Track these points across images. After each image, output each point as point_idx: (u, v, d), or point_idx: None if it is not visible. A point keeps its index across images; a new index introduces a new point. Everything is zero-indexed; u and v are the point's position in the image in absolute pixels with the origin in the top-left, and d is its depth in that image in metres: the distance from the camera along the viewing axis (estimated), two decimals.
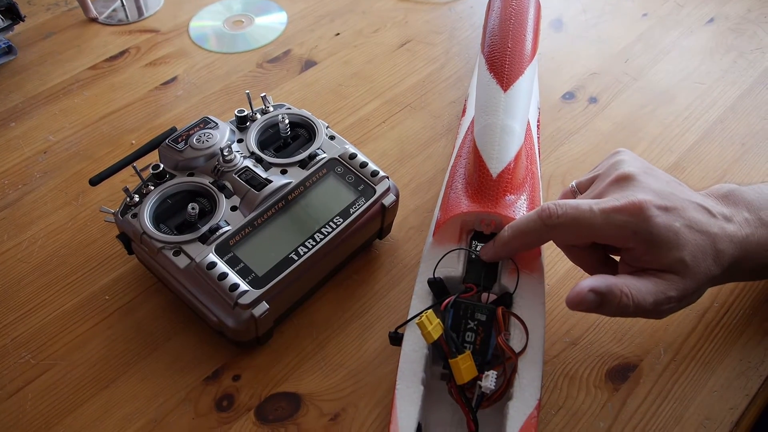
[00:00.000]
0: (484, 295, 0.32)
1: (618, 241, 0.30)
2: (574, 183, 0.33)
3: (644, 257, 0.28)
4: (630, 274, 0.31)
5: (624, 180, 0.30)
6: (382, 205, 0.36)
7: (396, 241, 0.40)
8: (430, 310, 0.30)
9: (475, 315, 0.31)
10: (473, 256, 0.33)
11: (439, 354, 0.30)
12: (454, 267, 0.33)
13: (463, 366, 0.29)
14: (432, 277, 0.33)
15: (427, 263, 0.33)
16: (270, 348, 0.35)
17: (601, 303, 0.27)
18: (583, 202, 0.31)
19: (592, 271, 0.32)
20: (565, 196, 0.34)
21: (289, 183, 0.35)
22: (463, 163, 0.36)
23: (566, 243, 0.33)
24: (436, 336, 0.29)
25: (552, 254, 0.39)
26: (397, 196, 0.37)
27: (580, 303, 0.27)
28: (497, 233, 0.33)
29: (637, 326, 0.36)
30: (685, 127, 0.44)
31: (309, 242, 0.33)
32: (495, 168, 0.33)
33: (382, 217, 0.37)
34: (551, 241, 0.31)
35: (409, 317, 0.32)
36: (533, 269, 0.33)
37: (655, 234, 0.27)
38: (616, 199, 0.28)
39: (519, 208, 0.34)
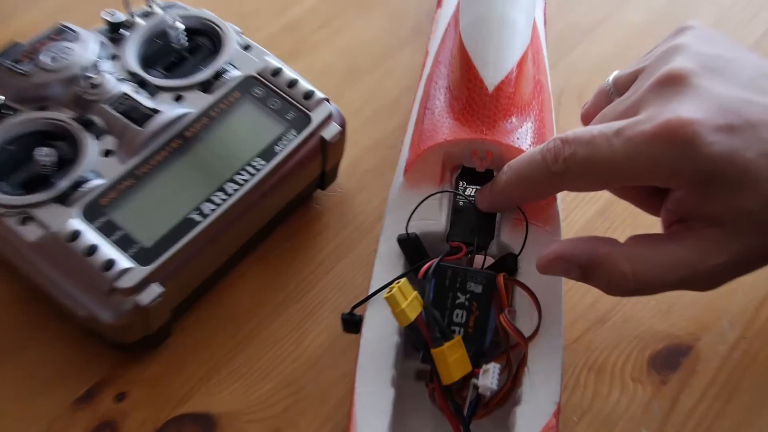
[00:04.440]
0: (479, 258, 0.33)
1: (655, 182, 0.30)
2: (611, 78, 0.33)
3: (689, 202, 0.28)
4: (667, 227, 0.30)
5: (671, 82, 0.28)
6: (322, 139, 0.36)
7: (346, 191, 0.40)
8: (403, 280, 0.31)
9: (467, 285, 0.31)
10: (461, 203, 0.33)
11: (417, 342, 0.30)
12: (434, 218, 0.33)
13: (452, 358, 0.29)
14: (404, 233, 0.32)
15: (395, 215, 0.33)
16: (169, 352, 0.34)
17: (585, 276, 0.29)
18: (600, 132, 0.29)
19: (648, 209, 0.32)
20: (597, 101, 0.33)
21: (187, 114, 0.35)
22: (444, 74, 0.36)
23: (584, 191, 0.33)
24: (412, 316, 0.29)
25: (570, 196, 0.39)
26: (343, 126, 0.37)
27: (547, 269, 0.30)
28: (494, 172, 0.33)
29: (690, 293, 0.38)
30: (751, 13, 0.43)
31: (217, 197, 0.33)
32: (492, 77, 0.33)
33: (322, 158, 0.37)
34: None
35: (371, 291, 0.31)
36: (546, 220, 0.33)
37: (706, 171, 0.27)
38: (649, 119, 0.27)
39: (524, 137, 0.34)
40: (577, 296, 0.37)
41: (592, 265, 0.28)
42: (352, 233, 0.39)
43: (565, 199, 0.42)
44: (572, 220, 0.40)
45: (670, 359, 0.35)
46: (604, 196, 0.42)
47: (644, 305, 0.36)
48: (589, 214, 0.40)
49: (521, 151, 0.32)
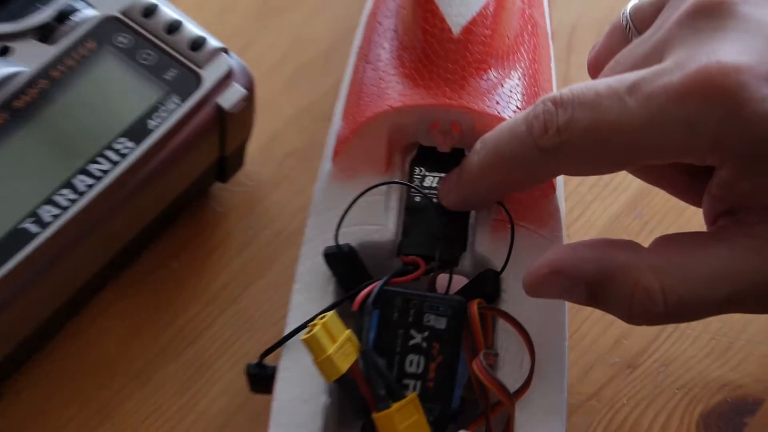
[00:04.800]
0: (443, 279, 0.33)
1: (688, 157, 0.29)
2: (629, 9, 0.33)
3: (738, 185, 0.28)
4: (711, 222, 0.30)
5: (708, 12, 0.28)
6: (219, 109, 0.36)
7: (258, 184, 0.40)
8: (330, 314, 0.31)
9: (425, 319, 0.31)
10: (417, 200, 0.34)
11: (353, 404, 0.30)
12: (378, 222, 0.34)
13: (403, 425, 0.28)
14: (333, 245, 0.33)
15: (320, 218, 0.34)
16: None
17: (594, 297, 0.29)
18: (608, 88, 0.29)
19: (687, 197, 0.33)
20: (609, 43, 0.34)
21: (16, 74, 0.34)
22: (392, 11, 0.36)
23: (589, 174, 0.32)
24: (344, 366, 0.29)
25: (584, 183, 0.40)
26: (251, 89, 0.37)
27: (538, 289, 0.30)
28: (465, 152, 0.34)
29: (757, 322, 0.36)
30: None
31: (63, 197, 0.33)
32: (458, 14, 0.33)
33: (221, 137, 0.37)
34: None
35: (286, 330, 0.32)
36: (540, 220, 0.34)
37: (759, 138, 0.26)
38: (677, 68, 0.27)
39: (507, 100, 0.34)
40: (593, 330, 0.37)
41: (604, 280, 0.28)
42: (266, 246, 0.39)
43: (576, 187, 0.41)
44: (589, 219, 0.41)
45: (730, 419, 0.35)
46: (635, 182, 0.41)
47: (692, 341, 0.37)
48: (613, 210, 0.40)
49: (504, 120, 0.33)
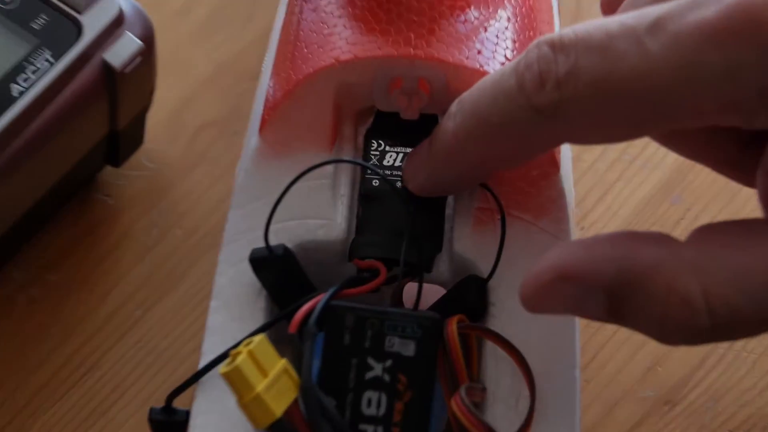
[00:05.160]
0: (409, 290, 0.34)
1: (729, 118, 0.30)
2: None
3: None
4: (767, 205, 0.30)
5: None
6: (107, 68, 0.36)
7: (159, 168, 0.40)
8: (259, 338, 0.31)
9: (386, 343, 0.31)
10: (375, 184, 0.35)
11: None
12: (322, 215, 0.35)
13: None
14: (261, 247, 0.34)
15: (244, 211, 0.35)
16: None
17: (614, 308, 0.29)
18: (623, 28, 0.30)
19: (732, 173, 0.34)
20: None
21: None
22: None
23: (599, 141, 0.33)
24: (279, 409, 0.29)
25: (604, 157, 0.41)
26: (150, 41, 0.37)
27: (540, 302, 0.30)
28: (437, 117, 0.34)
29: None
30: None
31: None
32: None
33: (110, 105, 0.37)
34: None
35: (201, 364, 0.32)
36: (540, 209, 0.35)
37: None
38: (703, 2, 0.28)
39: (492, 47, 0.35)
40: (618, 355, 0.38)
41: (628, 286, 0.29)
42: (176, 251, 0.39)
43: (593, 164, 0.42)
44: (610, 207, 0.42)
45: None
46: (670, 155, 0.42)
47: (749, 368, 0.38)
48: (643, 193, 0.42)
49: (486, 74, 0.33)
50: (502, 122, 0.32)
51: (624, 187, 0.42)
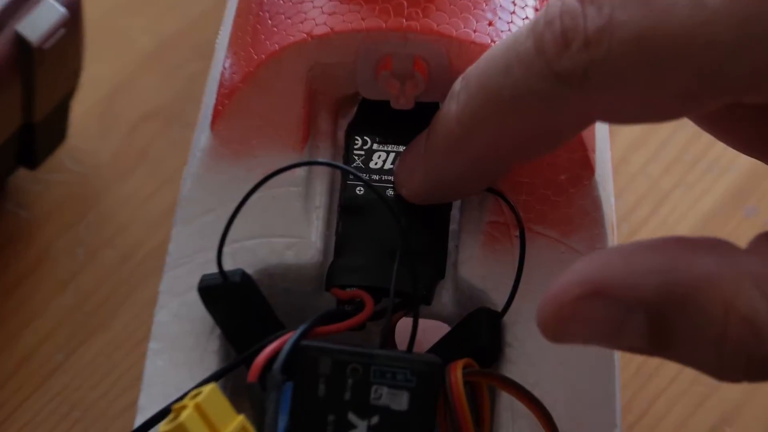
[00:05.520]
0: (403, 325, 0.35)
1: None
2: None
3: None
4: None
5: None
6: (21, 43, 0.37)
7: (87, 171, 0.41)
8: (209, 389, 0.31)
9: (372, 394, 0.32)
10: (359, 191, 0.36)
11: None
12: (291, 233, 0.36)
13: None
14: (213, 273, 0.34)
15: (192, 227, 0.36)
16: None
17: (660, 333, 0.29)
18: None
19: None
20: None
21: None
22: None
23: (636, 119, 0.34)
24: None
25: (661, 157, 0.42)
26: (76, 10, 0.39)
27: (564, 327, 0.30)
28: (437, 106, 0.35)
29: None
30: None
31: None
32: None
33: (24, 90, 0.38)
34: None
35: (137, 421, 0.33)
36: (570, 223, 0.36)
37: None
38: None
39: (507, 18, 0.36)
40: (676, 410, 0.40)
41: (675, 302, 0.29)
42: (108, 277, 0.41)
43: (644, 167, 0.43)
44: (665, 221, 0.43)
45: None
46: (741, 158, 0.41)
47: None
48: (709, 203, 0.43)
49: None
50: (517, 96, 0.33)
51: (684, 196, 0.43)
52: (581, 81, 0.31)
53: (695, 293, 0.29)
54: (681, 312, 0.29)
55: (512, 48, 0.33)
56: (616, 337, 0.30)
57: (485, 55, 0.34)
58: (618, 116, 0.34)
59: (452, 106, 0.34)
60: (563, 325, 0.30)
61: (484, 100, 0.33)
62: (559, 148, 0.35)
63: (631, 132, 0.46)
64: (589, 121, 0.34)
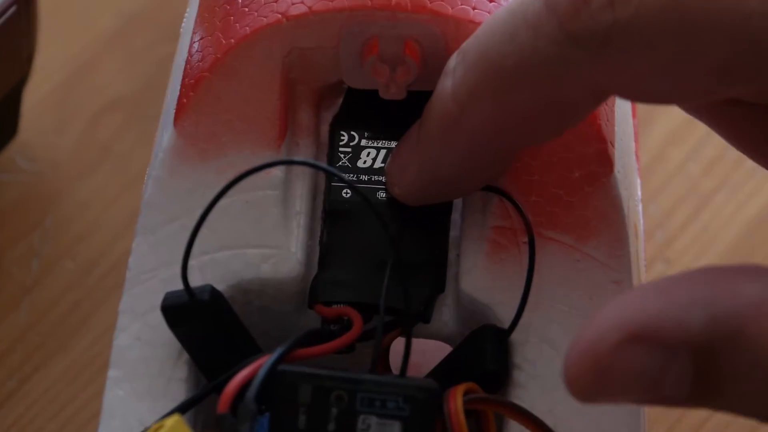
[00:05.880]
0: (396, 346, 0.36)
1: None
2: None
3: None
4: None
5: None
6: None
7: (41, 170, 0.43)
8: (173, 421, 0.32)
9: (359, 425, 0.33)
10: (346, 195, 0.37)
11: None
12: (268, 243, 0.37)
13: None
14: (178, 291, 0.35)
15: (155, 237, 0.37)
16: None
17: (702, 378, 0.29)
18: None
19: None
20: None
21: None
22: None
23: (660, 98, 0.35)
24: None
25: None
26: None
27: (600, 384, 0.29)
28: (430, 95, 0.36)
29: None
30: None
31: None
32: None
33: None
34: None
35: None
36: (585, 227, 0.37)
37: None
38: None
39: None
40: None
41: (724, 336, 0.29)
42: (65, 294, 0.42)
43: (684, 163, 0.43)
44: (707, 228, 0.43)
45: None
46: None
47: None
48: (756, 208, 0.44)
49: None
50: (522, 64, 0.33)
51: (728, 200, 0.43)
52: (600, 45, 0.32)
53: (745, 324, 0.29)
54: (731, 348, 0.29)
55: (518, 11, 0.33)
56: (656, 388, 0.29)
57: (485, 23, 0.34)
58: (636, 91, 0.34)
59: (447, 82, 0.35)
60: (600, 380, 0.29)
61: (483, 71, 0.34)
62: (568, 128, 0.35)
63: (667, 124, 0.47)
64: (604, 96, 0.34)
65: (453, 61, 0.35)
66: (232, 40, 0.37)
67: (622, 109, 0.39)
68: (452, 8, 0.36)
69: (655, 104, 0.36)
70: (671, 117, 0.45)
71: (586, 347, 0.29)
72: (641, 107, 0.41)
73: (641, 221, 0.38)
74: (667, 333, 0.29)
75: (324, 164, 0.36)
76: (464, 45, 0.35)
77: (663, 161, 0.42)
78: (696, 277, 0.30)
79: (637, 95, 0.34)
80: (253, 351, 0.36)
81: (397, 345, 0.36)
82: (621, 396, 0.29)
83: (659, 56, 0.32)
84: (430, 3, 0.37)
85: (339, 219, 0.37)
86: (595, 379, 0.29)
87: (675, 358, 0.29)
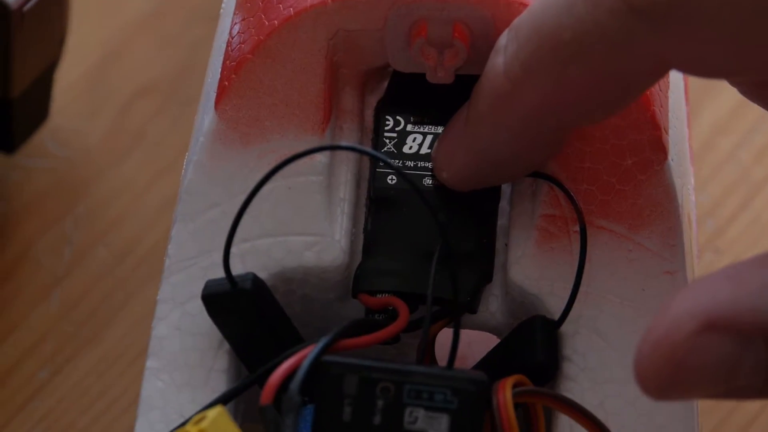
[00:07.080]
0: (442, 337, 0.35)
1: None
2: None
3: None
4: None
5: None
6: None
7: (73, 156, 0.42)
8: (216, 412, 0.32)
9: (407, 417, 0.33)
10: (391, 181, 0.37)
11: None
12: (311, 230, 0.36)
13: None
14: (220, 279, 0.35)
15: (195, 224, 0.37)
16: None
17: None
18: None
19: None
20: None
21: None
22: None
23: (728, 72, 0.34)
24: None
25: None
26: None
27: (677, 377, 0.29)
28: (474, 75, 0.36)
29: None
30: None
31: None
32: None
33: (0, 58, 0.39)
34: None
35: None
36: (638, 216, 0.36)
37: None
38: None
39: None
40: None
41: None
42: (100, 281, 0.41)
43: (734, 150, 0.43)
44: (759, 217, 0.43)
45: None
46: None
47: None
48: None
49: None
50: (579, 38, 0.33)
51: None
52: (664, 17, 0.31)
53: None
54: None
55: None
56: (732, 378, 0.29)
57: (536, 1, 0.34)
58: (699, 64, 0.34)
59: (498, 60, 0.35)
60: (676, 372, 0.29)
61: (538, 46, 0.34)
62: (624, 105, 0.35)
63: (716, 110, 0.46)
64: (665, 69, 0.34)
65: (504, 38, 0.35)
66: (276, 22, 0.37)
67: (675, 95, 0.39)
68: None
69: (717, 78, 0.35)
70: (720, 105, 0.45)
71: (660, 338, 0.29)
72: (691, 94, 0.39)
73: (694, 210, 0.37)
74: (742, 320, 0.29)
75: (371, 149, 0.36)
76: (515, 22, 0.35)
77: (712, 149, 0.41)
78: (764, 261, 0.30)
79: (699, 69, 0.33)
80: (295, 341, 0.35)
81: (441, 336, 0.36)
82: (696, 389, 0.29)
83: (725, 29, 0.31)
84: None
85: (384, 206, 0.37)
86: (671, 372, 0.29)
87: (751, 346, 0.29)
